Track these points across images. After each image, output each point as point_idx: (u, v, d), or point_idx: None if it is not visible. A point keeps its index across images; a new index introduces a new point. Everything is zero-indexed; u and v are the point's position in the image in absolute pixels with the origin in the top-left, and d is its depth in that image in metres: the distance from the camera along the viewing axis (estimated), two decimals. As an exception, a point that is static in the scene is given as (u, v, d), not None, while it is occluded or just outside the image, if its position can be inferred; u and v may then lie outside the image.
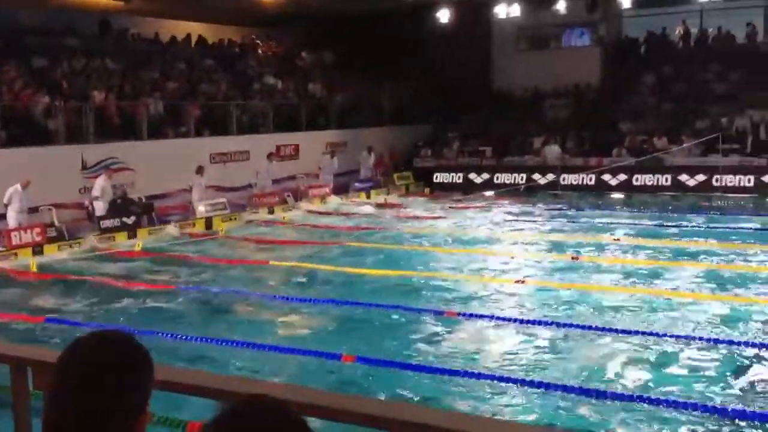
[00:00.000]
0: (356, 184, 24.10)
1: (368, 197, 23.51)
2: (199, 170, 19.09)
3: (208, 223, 18.65)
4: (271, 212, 20.57)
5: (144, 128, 19.92)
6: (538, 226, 17.57)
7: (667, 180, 23.23)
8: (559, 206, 20.95)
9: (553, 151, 25.14)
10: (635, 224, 17.43)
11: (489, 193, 23.43)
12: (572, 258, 13.58)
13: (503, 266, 13.41)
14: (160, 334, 9.26)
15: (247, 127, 22.94)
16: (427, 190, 25.38)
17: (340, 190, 23.47)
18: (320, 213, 20.86)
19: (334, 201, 22.45)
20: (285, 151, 23.19)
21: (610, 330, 9.18)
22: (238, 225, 19.08)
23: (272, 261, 14.12)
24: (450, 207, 21.06)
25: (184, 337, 9.28)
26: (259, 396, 1.57)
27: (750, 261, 13.20)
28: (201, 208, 18.82)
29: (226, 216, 19.19)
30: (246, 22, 28.75)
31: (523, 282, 11.97)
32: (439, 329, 9.67)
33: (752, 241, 14.83)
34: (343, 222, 19.37)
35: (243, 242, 16.93)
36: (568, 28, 30.83)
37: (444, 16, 26.68)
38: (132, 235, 16.95)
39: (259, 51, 28.82)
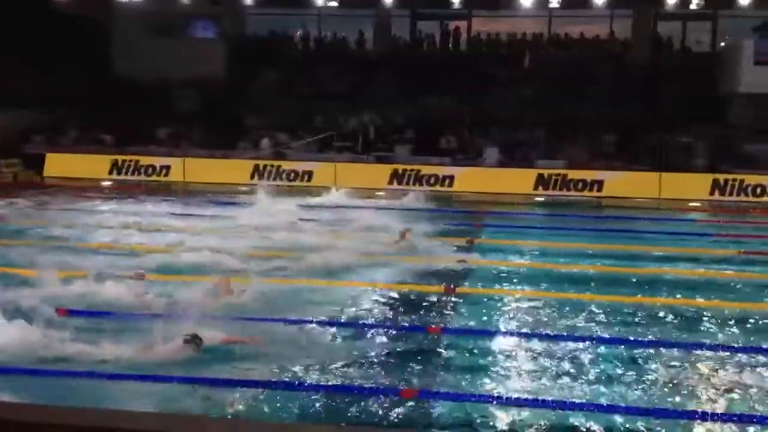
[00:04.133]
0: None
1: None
2: None
3: None
4: None
5: None
6: (152, 219, 16.82)
7: (290, 176, 23.96)
8: (178, 199, 20.50)
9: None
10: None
11: (107, 183, 22.25)
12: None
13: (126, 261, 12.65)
14: None
15: None
16: (37, 178, 23.32)
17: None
18: None
19: None
20: None
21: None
22: None
23: None
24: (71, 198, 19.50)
25: None
26: None
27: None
28: None
29: None
30: None
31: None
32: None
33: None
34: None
35: None
36: (193, 19, 30.57)
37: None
38: None
39: None
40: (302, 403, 6.97)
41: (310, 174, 23.67)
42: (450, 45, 31.44)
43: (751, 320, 9.99)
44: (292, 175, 23.75)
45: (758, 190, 22.03)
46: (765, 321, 10.01)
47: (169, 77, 27.94)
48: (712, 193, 22.10)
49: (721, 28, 29.81)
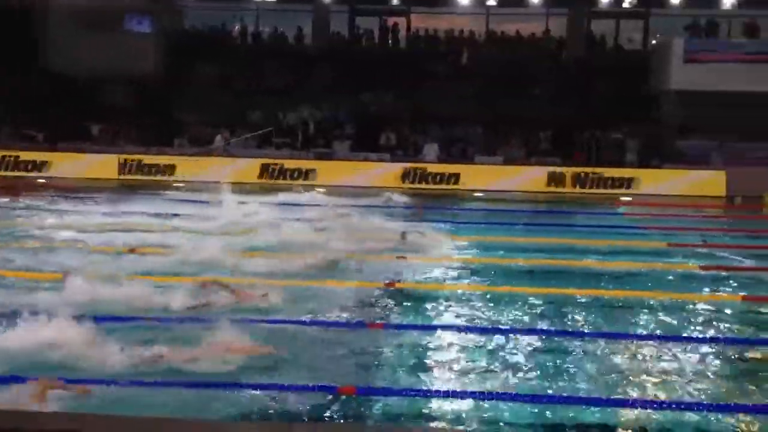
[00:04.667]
0: None
1: None
2: None
3: None
4: None
5: None
6: (88, 219, 16.46)
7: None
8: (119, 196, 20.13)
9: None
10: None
11: (42, 180, 21.71)
12: (129, 251, 13.12)
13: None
14: None
15: None
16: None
17: None
18: None
19: None
20: None
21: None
22: None
23: None
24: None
25: None
26: None
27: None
28: None
29: None
30: None
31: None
32: None
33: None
34: None
35: None
36: (128, 13, 29.96)
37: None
38: None
39: None
40: (239, 402, 6.91)
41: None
42: (389, 41, 31.53)
43: (686, 310, 10.34)
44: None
45: (683, 184, 22.82)
46: (693, 310, 10.37)
47: (103, 73, 27.28)
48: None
49: (652, 27, 30.61)
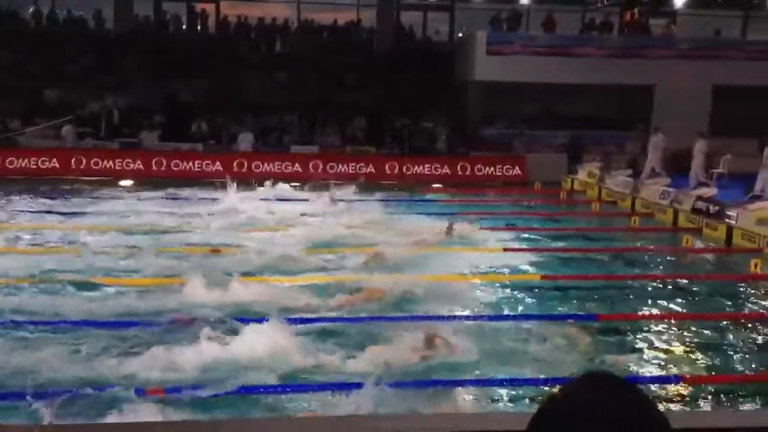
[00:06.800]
0: None
1: None
2: None
3: None
4: None
5: None
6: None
7: (21, 162, 22.21)
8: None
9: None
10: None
11: None
12: None
13: None
14: None
15: None
16: None
17: None
18: None
19: None
20: None
21: None
22: None
23: None
24: None
25: None
26: None
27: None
28: None
29: None
30: None
31: None
32: None
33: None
34: None
35: None
36: None
37: None
38: None
39: None
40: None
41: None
42: (198, 27, 30.58)
43: (492, 289, 10.81)
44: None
45: (489, 171, 23.89)
46: (498, 290, 10.88)
47: None
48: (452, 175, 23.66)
49: (461, 20, 31.82)
